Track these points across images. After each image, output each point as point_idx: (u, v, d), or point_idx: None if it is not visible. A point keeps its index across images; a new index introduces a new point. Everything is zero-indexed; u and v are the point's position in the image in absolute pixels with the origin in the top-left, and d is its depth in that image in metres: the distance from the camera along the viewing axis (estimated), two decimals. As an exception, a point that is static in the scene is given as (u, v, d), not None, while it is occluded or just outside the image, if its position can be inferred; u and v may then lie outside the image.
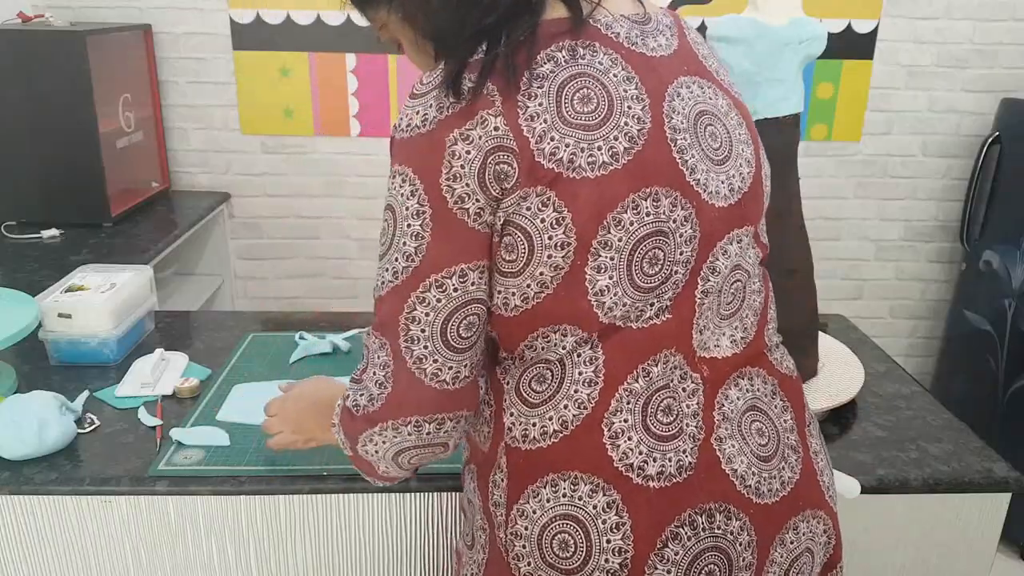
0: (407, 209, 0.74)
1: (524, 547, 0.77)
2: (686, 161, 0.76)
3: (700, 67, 0.82)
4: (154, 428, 1.20)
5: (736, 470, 0.78)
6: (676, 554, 0.75)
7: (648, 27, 0.80)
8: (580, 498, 0.76)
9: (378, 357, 0.79)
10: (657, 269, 0.75)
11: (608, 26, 0.77)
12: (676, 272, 0.76)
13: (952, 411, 1.32)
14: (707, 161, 0.78)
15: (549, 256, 0.73)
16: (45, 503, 1.10)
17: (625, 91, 0.74)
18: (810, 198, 2.87)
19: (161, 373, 1.35)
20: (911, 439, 1.24)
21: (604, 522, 0.75)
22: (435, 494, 1.12)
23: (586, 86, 0.73)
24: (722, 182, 0.79)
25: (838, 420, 1.28)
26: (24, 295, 1.37)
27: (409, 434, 0.79)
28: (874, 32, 2.66)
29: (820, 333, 1.39)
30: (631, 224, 0.73)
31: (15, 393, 1.27)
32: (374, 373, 0.79)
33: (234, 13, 2.67)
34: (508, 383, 0.81)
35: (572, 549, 0.75)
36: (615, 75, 0.75)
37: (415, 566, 1.17)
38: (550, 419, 0.77)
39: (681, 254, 0.76)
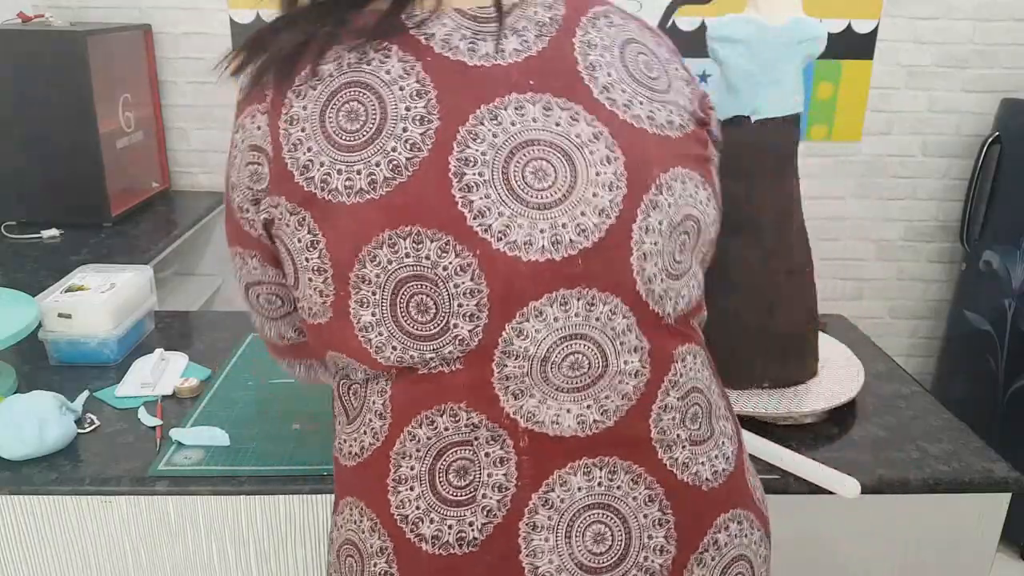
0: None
1: (330, 557, 0.77)
2: (471, 201, 0.63)
3: (565, 82, 0.67)
4: (154, 428, 1.20)
5: (538, 568, 0.66)
6: None
7: (489, 27, 0.67)
8: (363, 531, 0.70)
9: None
10: (428, 318, 0.65)
11: (422, 23, 0.66)
12: (457, 326, 0.65)
13: (952, 411, 1.32)
14: (516, 203, 0.64)
15: (310, 279, 0.67)
16: (45, 503, 1.10)
17: (407, 109, 0.64)
18: (810, 198, 2.86)
19: (161, 373, 1.35)
20: (911, 439, 1.23)
21: (375, 565, 0.69)
22: (435, 494, 1.12)
23: (358, 99, 0.64)
24: (541, 231, 0.64)
25: (838, 420, 1.28)
26: (24, 295, 1.37)
27: (283, 368, 0.90)
28: (874, 32, 2.66)
29: (820, 333, 1.39)
30: (389, 263, 0.64)
31: (15, 393, 1.27)
32: None
33: (234, 13, 2.67)
34: (337, 391, 0.75)
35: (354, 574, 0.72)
36: (401, 88, 0.64)
37: (415, 566, 1.17)
38: (355, 440, 0.72)
39: (460, 307, 0.64)
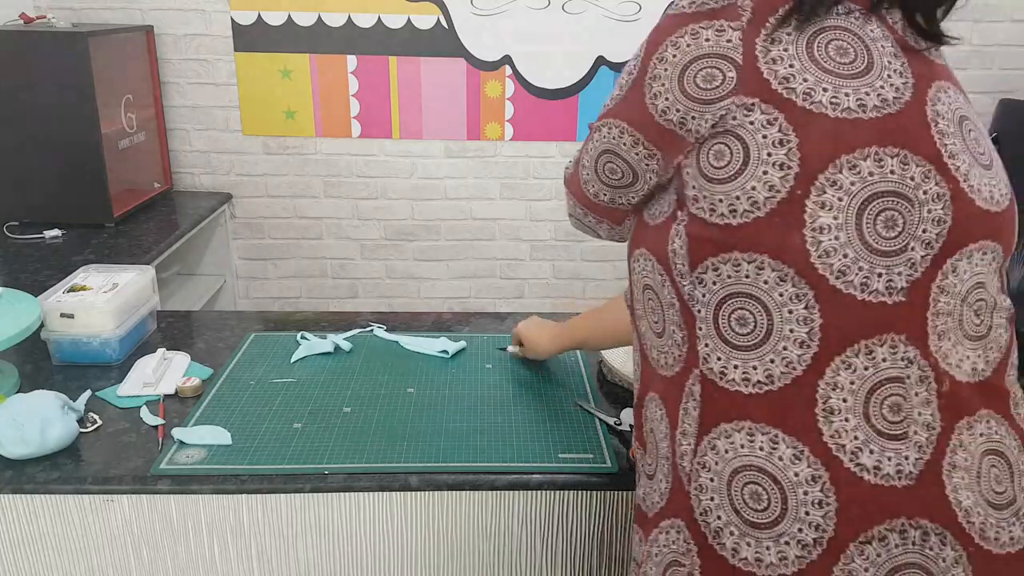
0: (628, 65, 0.80)
1: (712, 480, 0.74)
2: (946, 144, 0.71)
3: (961, 88, 0.78)
4: (156, 427, 1.21)
5: (961, 502, 0.71)
6: (879, 555, 0.69)
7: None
8: (780, 459, 0.71)
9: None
10: (894, 235, 0.69)
11: (895, 21, 0.75)
12: (914, 249, 0.70)
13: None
14: (971, 157, 0.72)
15: (764, 172, 0.69)
16: (48, 502, 1.11)
17: (888, 63, 0.72)
18: (810, 199, 2.86)
19: (163, 373, 1.36)
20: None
21: (805, 493, 0.70)
22: (435, 493, 1.12)
23: (848, 41, 0.71)
24: (984, 184, 0.73)
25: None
26: (26, 295, 1.38)
27: (576, 221, 0.97)
28: (874, 33, 2.67)
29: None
30: (869, 174, 0.68)
31: (17, 392, 1.28)
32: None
33: (235, 15, 2.68)
34: (700, 312, 0.75)
35: (766, 503, 0.72)
36: (883, 46, 0.72)
37: (415, 566, 1.17)
38: (753, 368, 0.72)
39: (924, 231, 0.70)
